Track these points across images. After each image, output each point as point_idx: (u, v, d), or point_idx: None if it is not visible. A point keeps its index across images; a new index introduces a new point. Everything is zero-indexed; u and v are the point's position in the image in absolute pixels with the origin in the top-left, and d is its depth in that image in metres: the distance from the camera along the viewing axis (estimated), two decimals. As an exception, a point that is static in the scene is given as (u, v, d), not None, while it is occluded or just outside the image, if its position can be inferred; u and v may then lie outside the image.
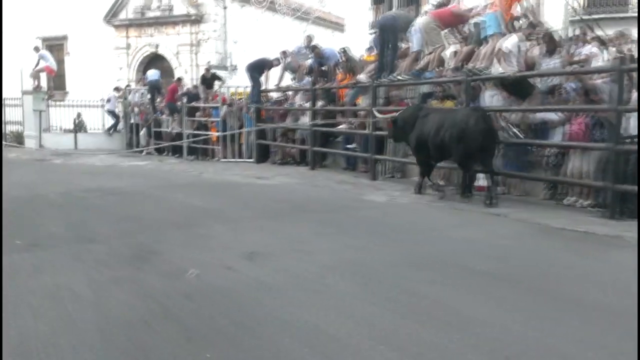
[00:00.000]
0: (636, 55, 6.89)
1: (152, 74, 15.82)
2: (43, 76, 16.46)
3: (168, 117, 14.70)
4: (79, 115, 18.77)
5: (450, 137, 6.53)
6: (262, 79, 12.43)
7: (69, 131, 16.57)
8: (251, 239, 5.00)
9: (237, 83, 17.43)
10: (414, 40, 8.96)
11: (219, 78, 14.83)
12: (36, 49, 16.25)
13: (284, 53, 12.63)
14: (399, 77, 9.01)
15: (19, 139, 17.37)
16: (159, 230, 5.38)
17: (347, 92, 10.72)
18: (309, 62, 12.04)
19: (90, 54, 21.11)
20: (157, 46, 20.56)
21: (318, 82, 11.19)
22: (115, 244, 4.77)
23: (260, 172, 10.70)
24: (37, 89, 15.75)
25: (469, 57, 8.09)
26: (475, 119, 6.37)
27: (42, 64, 15.86)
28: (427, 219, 6.22)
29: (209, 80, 14.22)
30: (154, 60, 20.85)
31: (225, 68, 19.73)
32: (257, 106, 12.29)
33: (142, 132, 15.97)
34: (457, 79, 7.86)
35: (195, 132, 14.26)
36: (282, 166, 11.80)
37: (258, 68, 12.28)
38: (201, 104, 14.04)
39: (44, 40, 21.89)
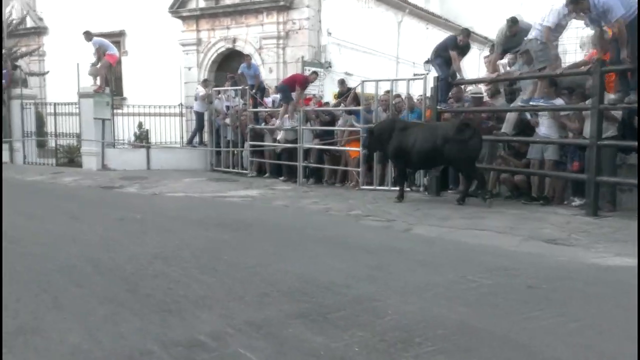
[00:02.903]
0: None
1: (249, 66, 11.83)
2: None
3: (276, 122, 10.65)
4: (140, 125, 14.89)
5: (450, 149, 6.90)
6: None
7: (140, 146, 12.61)
8: None
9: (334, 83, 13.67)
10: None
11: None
12: (87, 34, 12.26)
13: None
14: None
15: (72, 154, 13.52)
16: None
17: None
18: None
19: (152, 52, 17.24)
20: (234, 40, 16.52)
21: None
22: None
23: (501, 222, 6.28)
24: (100, 90, 11.84)
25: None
26: (472, 132, 6.95)
27: (101, 54, 12.01)
28: None
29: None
30: (230, 58, 16.85)
31: (320, 65, 15.60)
32: (445, 109, 8.09)
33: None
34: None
35: (321, 146, 10.13)
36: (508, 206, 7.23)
37: (443, 50, 8.04)
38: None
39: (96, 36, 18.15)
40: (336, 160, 10.31)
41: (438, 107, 8.08)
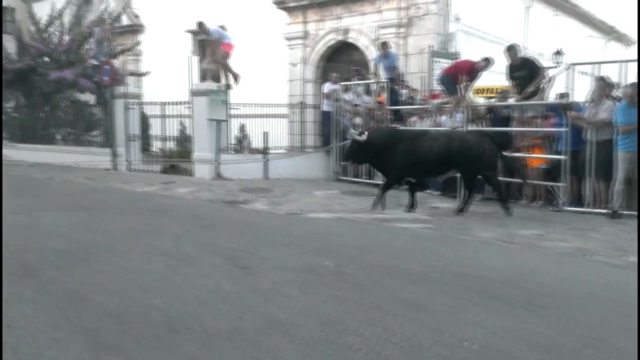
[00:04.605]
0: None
1: (386, 55, 9.70)
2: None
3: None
4: (242, 128, 13.12)
5: (464, 157, 6.81)
6: None
7: (258, 152, 10.74)
8: None
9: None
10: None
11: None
12: (201, 25, 10.55)
13: None
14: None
15: (181, 158, 11.88)
16: None
17: None
18: None
19: (254, 48, 15.47)
20: (346, 31, 14.45)
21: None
22: None
23: None
24: (222, 86, 10.08)
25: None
26: (489, 140, 7.05)
27: (217, 44, 10.28)
28: None
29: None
30: (341, 51, 14.83)
31: (448, 55, 13.23)
32: None
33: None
34: None
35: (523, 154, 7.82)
36: None
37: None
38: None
39: (194, 34, 16.70)
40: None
41: None
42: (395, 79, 9.90)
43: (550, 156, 7.62)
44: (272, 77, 14.70)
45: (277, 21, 15.38)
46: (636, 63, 6.93)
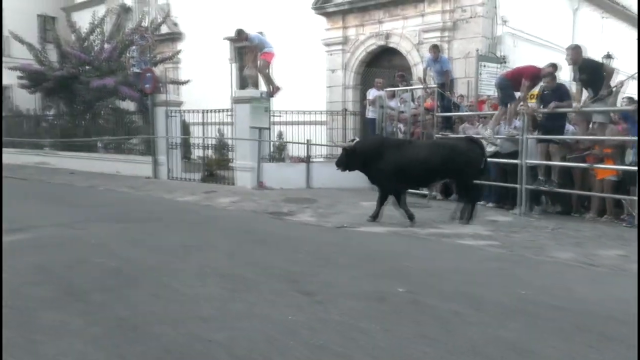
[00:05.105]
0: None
1: (437, 59, 9.20)
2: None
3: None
4: (279, 135, 12.78)
5: (454, 164, 6.79)
6: None
7: (300, 160, 10.37)
8: None
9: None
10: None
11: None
12: (240, 32, 10.28)
13: None
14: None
15: (211, 167, 11.66)
16: None
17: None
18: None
19: (292, 54, 15.16)
20: (387, 36, 13.99)
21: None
22: None
23: None
24: (275, 93, 9.80)
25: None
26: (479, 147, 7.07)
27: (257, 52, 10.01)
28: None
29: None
30: (381, 56, 14.38)
31: (496, 59, 12.63)
32: None
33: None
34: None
35: (551, 162, 7.24)
36: None
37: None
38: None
39: (233, 41, 16.52)
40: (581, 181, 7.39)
41: None
42: (446, 84, 9.37)
43: (621, 167, 7.00)
44: (310, 84, 14.36)
45: (316, 27, 15.06)
46: None
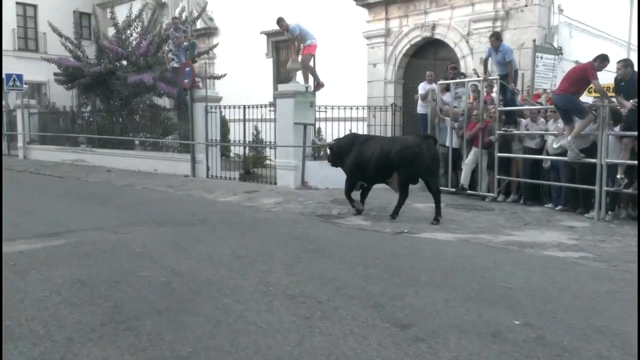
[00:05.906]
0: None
1: (498, 50, 8.34)
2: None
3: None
4: (318, 132, 12.10)
5: (400, 159, 6.77)
6: None
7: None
8: None
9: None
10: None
11: None
12: (280, 22, 9.72)
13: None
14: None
15: (247, 165, 11.06)
16: None
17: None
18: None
19: (332, 48, 14.46)
20: (433, 27, 13.17)
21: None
22: None
23: None
24: (319, 88, 9.15)
25: None
26: (427, 145, 6.88)
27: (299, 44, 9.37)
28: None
29: None
30: (425, 49, 13.56)
31: (553, 50, 11.68)
32: None
33: (469, 159, 8.58)
34: None
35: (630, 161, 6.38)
36: None
37: None
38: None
39: (269, 35, 15.94)
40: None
41: None
42: (510, 76, 8.53)
43: None
44: (349, 79, 13.63)
45: (357, 19, 14.32)
46: None
